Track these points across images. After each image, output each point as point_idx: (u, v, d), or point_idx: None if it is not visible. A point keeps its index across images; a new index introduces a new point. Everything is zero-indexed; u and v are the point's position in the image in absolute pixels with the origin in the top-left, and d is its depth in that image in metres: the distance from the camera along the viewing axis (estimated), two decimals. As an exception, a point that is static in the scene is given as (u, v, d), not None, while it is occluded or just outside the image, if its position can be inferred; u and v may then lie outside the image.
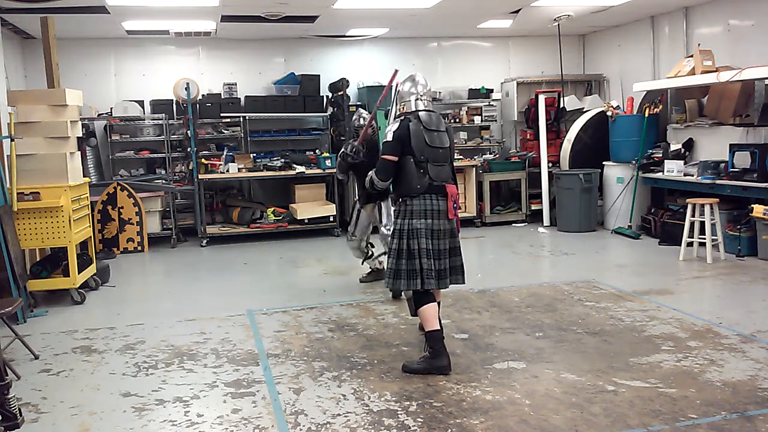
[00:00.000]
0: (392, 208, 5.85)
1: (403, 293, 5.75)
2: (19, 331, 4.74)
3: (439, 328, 4.09)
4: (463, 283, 4.30)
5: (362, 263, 6.49)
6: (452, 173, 4.33)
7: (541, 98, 9.67)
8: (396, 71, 5.06)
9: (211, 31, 8.99)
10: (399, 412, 3.52)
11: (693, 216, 6.86)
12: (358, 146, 5.56)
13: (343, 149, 5.67)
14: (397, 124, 4.21)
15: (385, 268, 4.31)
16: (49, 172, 5.95)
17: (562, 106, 9.78)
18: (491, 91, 10.42)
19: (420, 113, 4.24)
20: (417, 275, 4.06)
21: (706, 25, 8.28)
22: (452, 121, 10.32)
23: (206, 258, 8.14)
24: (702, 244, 6.87)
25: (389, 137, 4.19)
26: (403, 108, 4.33)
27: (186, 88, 8.75)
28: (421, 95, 4.30)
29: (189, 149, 8.91)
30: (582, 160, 9.11)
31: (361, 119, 6.17)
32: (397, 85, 5.02)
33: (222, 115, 9.39)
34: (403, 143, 4.14)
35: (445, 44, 10.58)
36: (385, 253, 5.98)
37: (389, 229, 5.74)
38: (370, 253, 6.40)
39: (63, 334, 5.13)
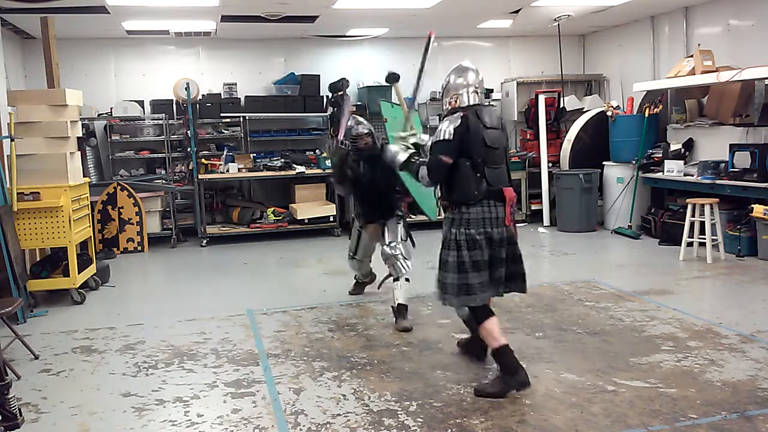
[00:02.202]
0: (399, 226, 5.26)
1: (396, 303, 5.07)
2: (19, 331, 4.74)
3: (506, 342, 3.72)
4: (524, 291, 3.99)
5: (365, 280, 5.89)
6: (509, 175, 3.93)
7: (541, 98, 9.67)
8: (431, 33, 4.41)
9: (211, 31, 8.98)
10: (399, 412, 3.52)
11: (693, 216, 6.86)
12: (343, 140, 5.20)
13: (330, 145, 5.30)
14: (457, 121, 3.71)
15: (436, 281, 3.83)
16: (49, 172, 5.95)
17: (562, 106, 9.78)
18: (491, 91, 10.41)
19: (478, 109, 3.78)
20: (472, 290, 3.70)
21: (706, 25, 8.28)
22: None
23: (206, 258, 8.14)
24: (702, 244, 6.86)
25: (447, 135, 3.70)
26: (455, 102, 3.83)
27: (186, 88, 8.75)
28: (476, 86, 3.83)
29: (189, 149, 8.91)
30: (582, 160, 9.10)
31: (360, 127, 5.26)
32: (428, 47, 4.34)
33: (222, 115, 9.39)
34: (462, 143, 3.68)
35: (445, 44, 10.56)
36: (389, 277, 5.31)
37: (394, 247, 5.16)
38: (372, 274, 5.84)
39: (63, 334, 5.13)
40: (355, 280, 5.94)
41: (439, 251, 3.85)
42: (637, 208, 8.49)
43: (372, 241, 5.52)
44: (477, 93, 3.82)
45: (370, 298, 5.82)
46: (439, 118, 3.79)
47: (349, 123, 5.37)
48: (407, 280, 5.13)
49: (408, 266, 5.18)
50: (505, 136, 3.92)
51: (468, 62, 3.94)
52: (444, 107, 3.94)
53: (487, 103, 4.00)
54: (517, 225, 4.01)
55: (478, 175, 3.71)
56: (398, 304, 5.04)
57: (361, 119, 5.39)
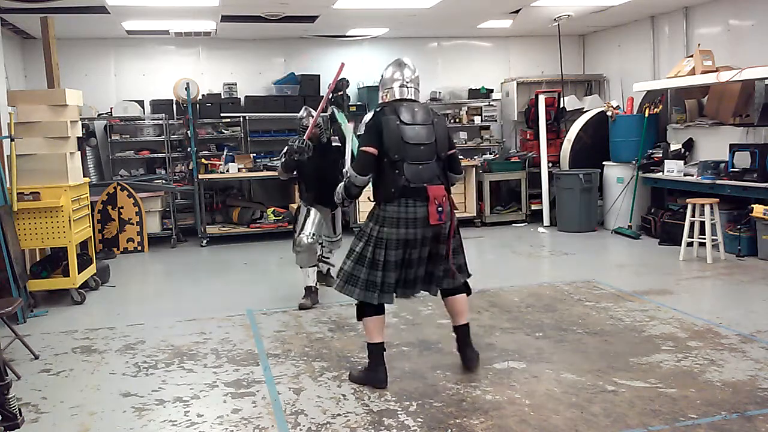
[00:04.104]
0: (339, 221, 5.83)
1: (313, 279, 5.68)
2: (19, 331, 4.74)
3: (380, 341, 3.85)
4: (434, 294, 3.99)
5: (308, 267, 5.63)
6: (442, 172, 3.83)
7: (541, 98, 9.67)
8: (342, 64, 4.93)
9: (211, 31, 8.99)
10: (399, 412, 3.52)
11: (693, 216, 6.86)
12: (307, 141, 5.32)
13: (289, 144, 5.41)
14: (370, 115, 3.80)
15: (337, 268, 3.95)
16: (49, 172, 5.95)
17: (562, 106, 9.78)
18: (491, 91, 10.43)
19: (398, 105, 3.79)
20: (376, 288, 3.72)
21: (706, 25, 8.28)
22: (452, 121, 10.31)
23: (206, 258, 8.14)
24: (702, 244, 6.86)
25: (362, 129, 3.81)
26: (386, 96, 3.88)
27: (186, 88, 8.75)
28: (407, 82, 3.85)
29: (189, 149, 8.91)
30: (582, 160, 9.11)
31: (310, 118, 5.62)
32: (336, 79, 5.00)
33: (222, 115, 9.40)
34: (378, 135, 3.71)
35: (445, 44, 10.58)
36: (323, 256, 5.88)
37: (335, 241, 5.84)
38: (325, 264, 5.88)
39: (63, 334, 5.13)
40: (305, 291, 5.67)
41: (353, 241, 3.88)
42: (637, 208, 8.49)
43: (321, 220, 5.63)
44: (407, 88, 3.85)
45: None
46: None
47: (300, 114, 5.75)
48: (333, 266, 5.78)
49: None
50: (438, 131, 3.82)
51: (406, 59, 3.97)
52: (380, 101, 3.98)
53: (418, 100, 3.91)
54: (455, 220, 3.89)
55: (396, 172, 3.68)
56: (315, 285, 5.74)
57: (313, 112, 5.63)
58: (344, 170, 4.15)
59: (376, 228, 3.74)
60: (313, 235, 5.56)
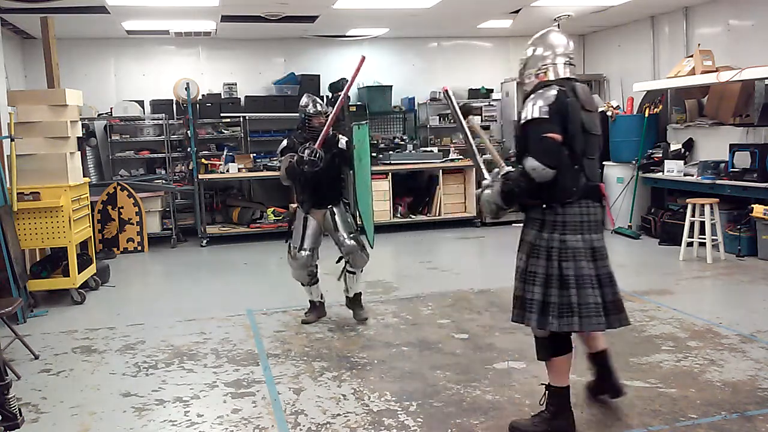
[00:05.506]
0: (347, 214, 5.16)
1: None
2: (19, 331, 4.74)
3: (568, 384, 3.15)
4: (628, 323, 3.15)
5: (308, 285, 5.29)
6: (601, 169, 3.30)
7: (541, 98, 9.66)
8: (363, 58, 4.66)
9: (211, 31, 8.99)
10: (399, 412, 3.51)
11: (693, 216, 6.86)
12: (320, 152, 4.74)
13: (299, 153, 4.79)
14: (551, 97, 2.96)
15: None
16: (49, 172, 5.95)
17: (562, 106, 9.76)
18: (491, 91, 10.44)
19: (575, 85, 3.07)
20: (570, 311, 2.97)
21: (706, 25, 8.28)
22: (452, 121, 10.30)
23: (206, 258, 8.14)
24: (702, 244, 6.86)
25: (538, 112, 2.95)
26: (543, 75, 3.12)
27: (186, 88, 8.75)
28: (570, 57, 3.15)
29: (189, 149, 8.91)
30: (582, 160, 9.10)
31: (318, 106, 5.08)
32: (356, 74, 4.67)
33: (222, 115, 9.40)
34: (563, 120, 2.94)
35: (445, 44, 10.58)
36: (341, 259, 5.19)
37: (352, 237, 5.09)
38: (316, 274, 5.29)
39: (63, 334, 5.13)
40: (309, 306, 5.39)
41: (519, 259, 3.22)
42: (637, 208, 8.49)
43: (319, 230, 5.16)
44: (570, 66, 3.14)
45: (370, 298, 5.81)
46: (524, 99, 3.12)
47: (303, 101, 5.17)
48: (361, 271, 5.26)
49: (366, 258, 5.20)
50: (599, 121, 3.22)
51: (556, 29, 3.29)
52: (525, 83, 3.24)
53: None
54: None
55: (576, 167, 3.01)
56: (355, 294, 5.25)
57: (317, 99, 5.19)
58: (489, 177, 3.35)
59: (556, 236, 3.04)
60: (311, 248, 5.13)
